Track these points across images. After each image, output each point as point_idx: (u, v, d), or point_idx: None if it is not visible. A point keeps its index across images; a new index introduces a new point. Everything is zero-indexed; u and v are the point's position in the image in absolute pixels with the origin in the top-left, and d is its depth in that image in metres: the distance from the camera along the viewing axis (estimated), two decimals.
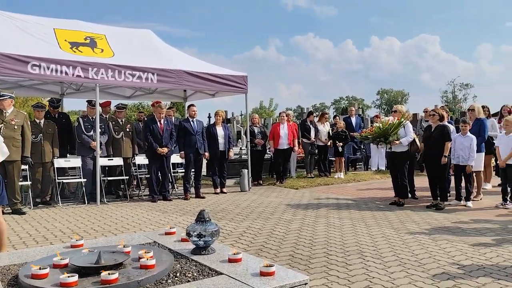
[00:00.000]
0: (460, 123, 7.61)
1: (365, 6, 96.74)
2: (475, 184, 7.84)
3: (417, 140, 7.53)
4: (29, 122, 7.20)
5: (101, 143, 8.18)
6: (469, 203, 7.19)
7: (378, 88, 72.54)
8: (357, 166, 13.72)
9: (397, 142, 7.23)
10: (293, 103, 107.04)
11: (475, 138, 7.34)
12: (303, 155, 11.80)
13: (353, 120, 12.94)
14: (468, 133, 7.37)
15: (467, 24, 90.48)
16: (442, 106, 12.70)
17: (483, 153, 7.78)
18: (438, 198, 7.16)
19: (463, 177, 7.40)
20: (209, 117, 18.15)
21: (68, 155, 8.72)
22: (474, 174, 7.76)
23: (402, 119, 7.40)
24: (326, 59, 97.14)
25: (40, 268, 2.69)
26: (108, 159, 8.46)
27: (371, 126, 7.88)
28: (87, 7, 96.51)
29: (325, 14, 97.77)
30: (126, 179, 8.56)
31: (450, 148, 7.16)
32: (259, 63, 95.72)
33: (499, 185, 8.07)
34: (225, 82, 9.23)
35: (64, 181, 8.13)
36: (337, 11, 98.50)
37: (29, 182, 7.51)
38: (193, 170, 8.83)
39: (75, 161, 8.24)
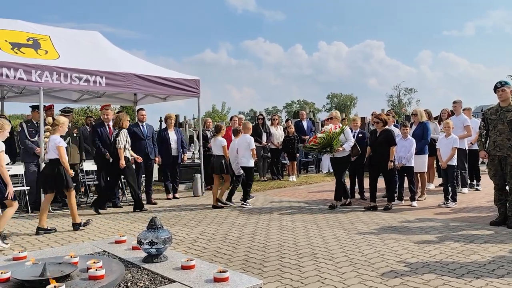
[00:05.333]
0: (401, 126, 7.91)
1: (310, 12, 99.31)
2: (419, 184, 8.22)
3: (356, 144, 7.74)
4: None
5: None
6: (414, 203, 7.52)
7: (328, 92, 74.57)
8: (309, 168, 13.99)
9: (340, 149, 7.37)
10: (245, 106, 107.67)
11: (415, 141, 7.70)
12: (256, 159, 11.85)
13: (305, 123, 13.16)
14: (409, 136, 7.72)
15: (409, 31, 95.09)
16: (389, 110, 13.25)
17: (427, 155, 8.16)
18: (386, 199, 7.46)
19: (405, 178, 7.73)
20: (161, 121, 17.84)
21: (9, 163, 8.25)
22: (418, 175, 8.14)
23: (344, 126, 7.63)
24: (277, 63, 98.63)
25: None
26: None
27: (315, 136, 7.93)
28: (22, 5, 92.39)
29: (274, 18, 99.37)
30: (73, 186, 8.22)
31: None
32: (209, 66, 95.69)
33: (440, 185, 8.52)
34: (177, 86, 9.11)
35: None
36: (285, 16, 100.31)
37: None
38: (143, 175, 8.64)
39: (16, 168, 7.82)
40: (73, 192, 6.17)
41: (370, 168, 7.57)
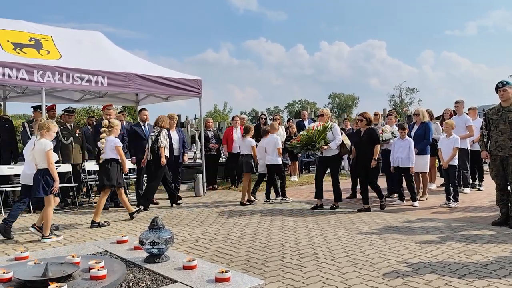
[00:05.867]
0: (399, 129, 7.85)
1: (312, 12, 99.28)
2: (421, 184, 8.21)
3: (346, 142, 7.46)
4: None
5: None
6: (416, 203, 7.50)
7: (330, 92, 74.46)
8: (311, 168, 13.98)
9: (325, 147, 7.18)
10: (247, 106, 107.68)
11: (412, 141, 7.67)
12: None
13: (306, 123, 13.15)
14: (406, 137, 7.69)
15: (410, 31, 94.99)
16: (390, 110, 13.24)
17: (429, 155, 8.14)
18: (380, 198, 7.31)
19: (403, 178, 7.70)
20: None
21: (11, 162, 8.28)
22: (420, 175, 8.13)
23: (328, 123, 7.33)
24: (279, 63, 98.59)
25: None
26: (56, 166, 8.09)
27: (299, 134, 7.81)
28: (24, 5, 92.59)
29: (276, 19, 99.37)
30: (75, 186, 8.25)
31: (391, 152, 7.35)
32: (211, 66, 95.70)
33: (442, 185, 8.50)
34: (179, 86, 9.12)
35: (8, 189, 7.72)
36: (287, 16, 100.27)
37: None
38: (145, 175, 8.65)
39: (19, 168, 7.82)
40: (108, 192, 6.80)
41: (358, 170, 7.38)
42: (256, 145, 8.53)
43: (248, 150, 8.38)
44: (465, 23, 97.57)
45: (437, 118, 9.88)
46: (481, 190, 9.07)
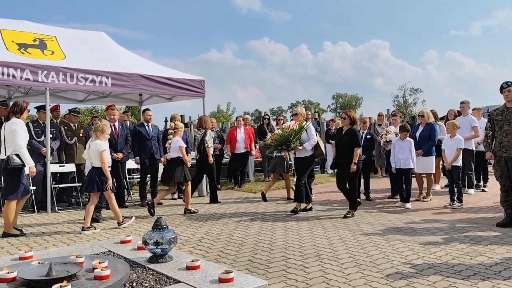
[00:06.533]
0: (401, 131, 7.78)
1: (315, 12, 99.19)
2: (425, 185, 8.17)
3: (320, 144, 7.18)
4: None
5: (52, 149, 7.86)
6: (408, 205, 7.45)
7: (333, 92, 74.34)
8: (314, 169, 13.94)
9: (300, 147, 6.93)
10: (250, 106, 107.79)
11: (413, 141, 7.64)
12: (261, 159, 11.85)
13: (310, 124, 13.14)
14: (407, 137, 7.66)
15: (414, 31, 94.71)
16: (394, 110, 13.21)
17: (434, 156, 8.04)
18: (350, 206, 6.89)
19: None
20: (166, 121, 17.88)
21: None
22: (423, 175, 8.09)
23: (304, 123, 7.07)
24: (282, 63, 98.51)
25: None
26: (60, 166, 8.13)
27: (273, 134, 7.55)
28: (26, 5, 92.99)
29: (279, 19, 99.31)
30: (78, 186, 8.27)
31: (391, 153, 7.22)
32: (215, 66, 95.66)
33: (446, 185, 8.47)
34: (182, 86, 9.14)
35: None
36: (291, 16, 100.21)
37: None
38: (149, 175, 8.66)
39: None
40: (174, 188, 7.87)
41: (337, 172, 7.03)
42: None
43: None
44: (469, 23, 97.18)
45: (441, 119, 9.84)
46: (485, 191, 9.04)
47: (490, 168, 9.61)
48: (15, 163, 5.59)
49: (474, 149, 8.67)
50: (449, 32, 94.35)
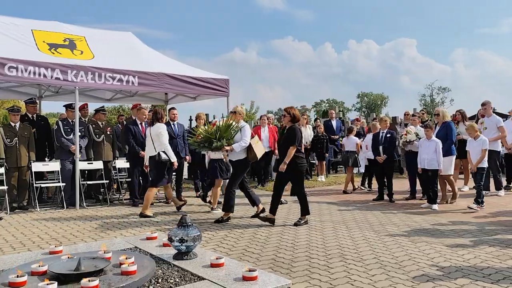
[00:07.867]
0: (424, 128, 7.60)
1: (340, 10, 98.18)
2: (447, 187, 7.92)
3: (257, 148, 6.54)
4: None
5: (80, 147, 8.06)
6: (435, 206, 7.27)
7: (358, 91, 73.54)
8: (338, 168, 13.84)
9: (227, 147, 6.37)
10: (274, 105, 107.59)
11: (440, 142, 7.42)
12: None
13: (334, 123, 13.05)
14: (433, 137, 7.47)
15: (441, 29, 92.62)
16: (421, 110, 12.95)
17: (453, 156, 7.75)
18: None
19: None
20: (191, 120, 18.06)
21: (46, 159, 8.54)
22: (443, 177, 7.81)
23: (232, 122, 6.47)
24: (306, 62, 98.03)
25: (17, 276, 2.63)
26: (88, 163, 8.32)
27: (200, 131, 6.98)
28: (56, 7, 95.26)
29: (303, 18, 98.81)
30: (106, 183, 8.45)
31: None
32: (239, 65, 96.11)
33: (474, 187, 8.25)
34: (207, 85, 9.21)
35: (42, 185, 7.97)
36: (315, 15, 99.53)
37: (5, 187, 7.33)
38: (174, 173, 8.76)
39: (53, 165, 8.09)
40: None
41: (276, 174, 6.45)
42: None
43: (353, 147, 9.76)
44: (499, 20, 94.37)
45: (471, 118, 9.59)
46: None
47: None
48: (163, 158, 6.92)
49: (500, 150, 8.37)
50: (477, 29, 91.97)
